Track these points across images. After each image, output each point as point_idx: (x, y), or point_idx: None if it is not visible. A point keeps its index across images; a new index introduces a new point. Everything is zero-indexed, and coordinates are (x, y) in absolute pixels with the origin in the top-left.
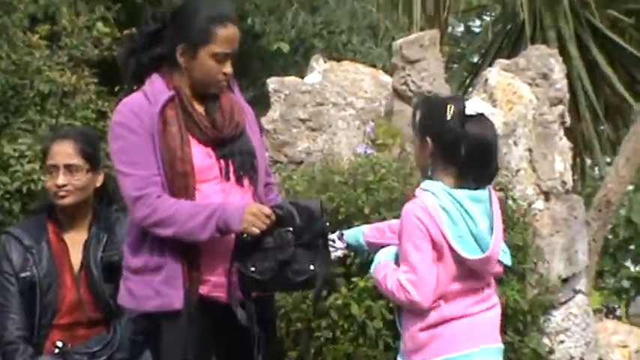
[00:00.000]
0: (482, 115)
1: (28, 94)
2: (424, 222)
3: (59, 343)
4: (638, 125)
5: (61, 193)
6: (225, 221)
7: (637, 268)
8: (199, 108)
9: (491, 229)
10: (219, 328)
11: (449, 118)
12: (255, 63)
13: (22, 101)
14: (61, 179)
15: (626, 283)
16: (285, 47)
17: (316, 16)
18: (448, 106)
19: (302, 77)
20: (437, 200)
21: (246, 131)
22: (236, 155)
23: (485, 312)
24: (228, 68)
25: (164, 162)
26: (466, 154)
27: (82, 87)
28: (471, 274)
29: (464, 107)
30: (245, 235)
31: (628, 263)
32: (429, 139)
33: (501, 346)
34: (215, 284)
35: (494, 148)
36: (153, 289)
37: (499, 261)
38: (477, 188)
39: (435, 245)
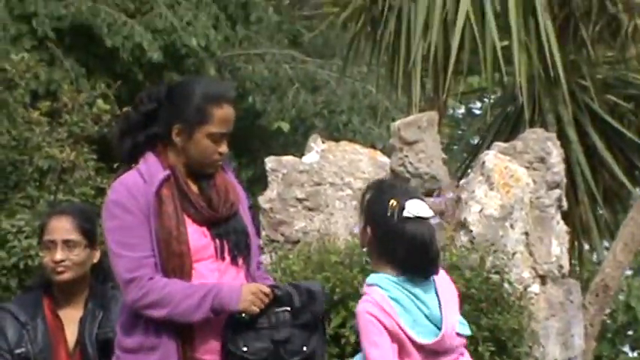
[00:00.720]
0: (420, 217)
1: (27, 169)
2: (377, 317)
3: None
4: (636, 210)
5: (59, 269)
6: (220, 301)
7: (635, 354)
8: (194, 187)
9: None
10: None
11: (389, 214)
12: (255, 141)
13: (21, 177)
14: (59, 255)
15: None
16: (286, 126)
17: (317, 95)
18: (391, 202)
19: (302, 156)
20: (385, 292)
21: (239, 211)
22: (231, 234)
23: None
24: (223, 148)
25: (159, 242)
26: (403, 253)
27: (82, 163)
28: (436, 354)
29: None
30: (243, 315)
31: (626, 349)
32: (369, 228)
33: None
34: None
35: (432, 248)
36: None
37: (458, 334)
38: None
39: (393, 338)
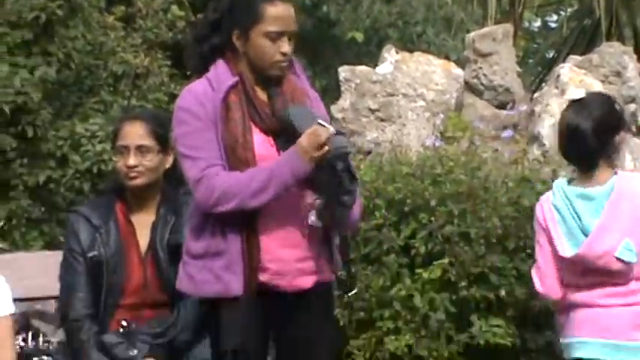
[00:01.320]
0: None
1: (102, 74)
2: (539, 219)
3: (124, 323)
4: None
5: (132, 174)
6: (291, 175)
7: None
8: (262, 94)
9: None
10: (279, 316)
11: None
12: (329, 51)
13: (95, 81)
14: (132, 160)
15: None
16: (360, 36)
17: (392, 6)
18: None
19: (375, 67)
20: (552, 198)
21: None
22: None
23: (615, 307)
24: (285, 48)
25: (226, 148)
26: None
27: (155, 69)
28: (583, 272)
29: None
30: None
31: None
32: None
33: (635, 344)
34: (275, 272)
35: (574, 134)
36: (213, 274)
37: (619, 259)
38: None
39: (549, 240)
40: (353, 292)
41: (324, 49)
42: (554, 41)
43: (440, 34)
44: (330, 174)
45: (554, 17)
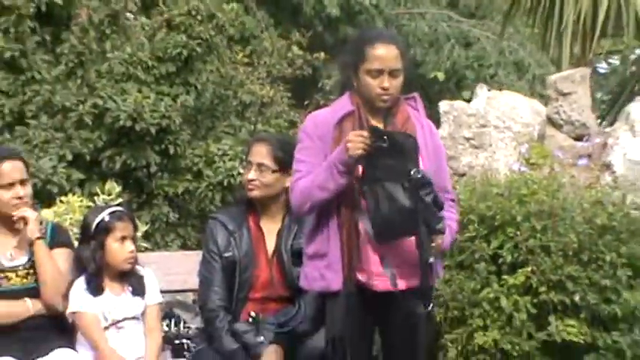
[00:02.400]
0: None
1: (232, 102)
2: None
3: (253, 314)
4: None
5: (250, 186)
6: (337, 162)
7: None
8: (377, 122)
9: None
10: (380, 312)
11: None
12: (415, 87)
13: (226, 108)
14: (251, 174)
15: None
16: (441, 76)
17: (469, 50)
18: None
19: (468, 102)
20: None
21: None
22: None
23: None
24: (384, 83)
25: None
26: None
27: (278, 99)
28: None
29: None
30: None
31: None
32: None
33: None
34: (373, 274)
35: None
36: (319, 272)
37: None
38: None
39: None
40: (429, 307)
41: (412, 86)
42: (620, 81)
43: (509, 76)
44: (422, 205)
45: (617, 62)
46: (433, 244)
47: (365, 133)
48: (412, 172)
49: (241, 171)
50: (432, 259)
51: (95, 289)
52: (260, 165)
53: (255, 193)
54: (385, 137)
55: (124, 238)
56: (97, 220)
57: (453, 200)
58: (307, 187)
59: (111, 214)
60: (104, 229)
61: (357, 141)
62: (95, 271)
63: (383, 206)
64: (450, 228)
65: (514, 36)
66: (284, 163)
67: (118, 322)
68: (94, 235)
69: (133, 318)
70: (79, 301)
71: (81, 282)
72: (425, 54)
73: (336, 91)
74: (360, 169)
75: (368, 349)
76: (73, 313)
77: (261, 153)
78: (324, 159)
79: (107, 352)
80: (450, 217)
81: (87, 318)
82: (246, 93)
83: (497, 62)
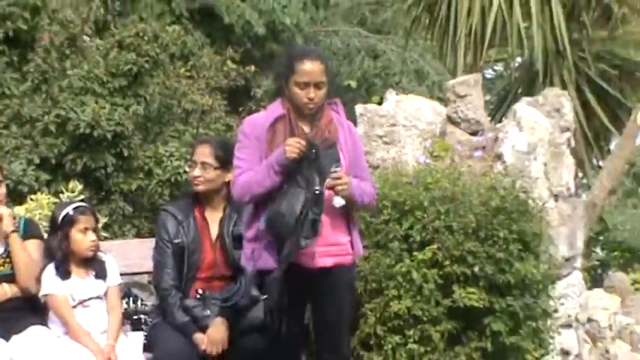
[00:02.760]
0: None
1: (176, 110)
2: None
3: (200, 291)
4: (616, 148)
5: (195, 182)
6: (275, 163)
7: (602, 253)
8: (304, 126)
9: None
10: (310, 287)
11: None
12: (332, 95)
13: (171, 116)
14: (196, 171)
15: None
16: (354, 84)
17: (377, 61)
18: None
19: (380, 105)
20: None
21: (337, 144)
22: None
23: None
24: (311, 94)
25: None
26: None
27: (216, 107)
28: None
29: None
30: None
31: (597, 250)
32: None
33: None
34: (303, 254)
35: None
36: (257, 253)
37: None
38: None
39: None
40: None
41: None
42: (504, 86)
43: (411, 82)
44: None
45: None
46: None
47: (302, 142)
48: (316, 190)
49: (187, 169)
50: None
51: (63, 273)
52: (204, 163)
53: (200, 188)
54: (314, 151)
55: (86, 229)
56: (63, 214)
57: (373, 187)
58: (247, 182)
59: (75, 208)
60: (69, 222)
61: (294, 146)
62: (62, 258)
63: (280, 204)
64: (366, 194)
65: (415, 48)
66: (224, 161)
67: (84, 301)
68: (60, 227)
69: (97, 298)
70: (50, 285)
71: (51, 268)
72: (339, 65)
73: (266, 98)
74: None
75: (301, 317)
76: (45, 295)
77: (204, 153)
78: (260, 156)
79: (75, 327)
80: (367, 185)
81: (57, 299)
82: (189, 102)
83: (401, 71)
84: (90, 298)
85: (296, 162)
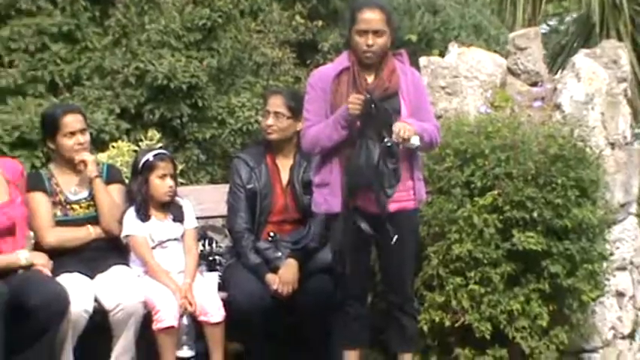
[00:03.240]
0: None
1: (248, 63)
2: None
3: (272, 234)
4: None
5: (269, 131)
6: (340, 118)
7: None
8: (367, 75)
9: None
10: (376, 230)
11: None
12: (395, 47)
13: (243, 68)
14: (269, 121)
15: None
16: (414, 38)
17: (437, 16)
18: None
19: (442, 56)
20: None
21: (400, 93)
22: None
23: None
24: (370, 41)
25: (332, 110)
26: None
27: (285, 60)
28: None
29: None
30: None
31: None
32: None
33: None
34: (366, 199)
35: None
36: (324, 198)
37: None
38: None
39: None
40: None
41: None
42: (560, 39)
43: (469, 36)
44: (385, 169)
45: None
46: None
47: (362, 97)
48: (385, 140)
49: (259, 119)
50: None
51: (143, 216)
52: (276, 113)
53: (273, 137)
54: (373, 106)
55: (164, 176)
56: (143, 160)
57: (436, 127)
58: (316, 136)
59: (154, 155)
60: (149, 168)
61: (355, 102)
62: (142, 202)
63: (359, 158)
64: (428, 132)
65: (473, 4)
66: (295, 111)
67: (162, 242)
68: (140, 172)
69: (175, 240)
70: (131, 226)
71: (131, 211)
72: (400, 20)
73: (333, 52)
74: (358, 124)
75: (365, 259)
76: (127, 236)
77: (277, 103)
78: (326, 107)
79: (154, 266)
80: (432, 128)
81: (137, 240)
82: (259, 55)
83: (459, 25)
84: (168, 240)
85: (360, 116)
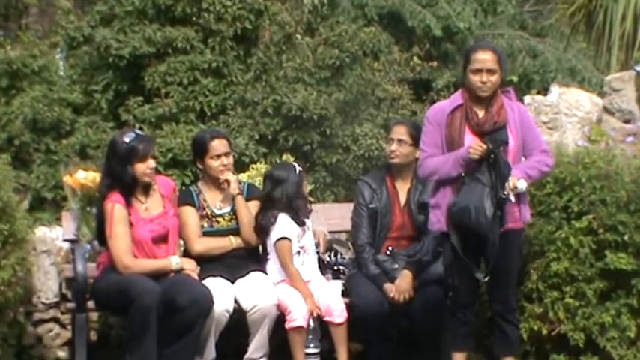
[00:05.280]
0: None
1: (370, 98)
2: None
3: (390, 248)
4: None
5: (392, 156)
6: (460, 159)
7: None
8: (478, 110)
9: None
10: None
11: None
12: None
13: (366, 102)
14: (393, 147)
15: None
16: (515, 78)
17: (536, 60)
18: None
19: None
20: None
21: (507, 126)
22: (491, 141)
23: None
24: (483, 79)
25: (446, 143)
26: None
27: (403, 95)
28: None
29: None
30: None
31: None
32: None
33: None
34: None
35: None
36: (437, 218)
37: None
38: None
39: None
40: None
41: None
42: None
43: (565, 78)
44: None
45: None
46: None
47: (483, 146)
48: (503, 194)
49: (379, 146)
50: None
51: (298, 221)
52: (400, 140)
53: (396, 161)
54: (492, 155)
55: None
56: (299, 169)
57: (545, 151)
58: (436, 168)
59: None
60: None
61: (476, 149)
62: (298, 209)
63: (468, 200)
64: (536, 168)
65: (570, 49)
66: (416, 139)
67: (302, 248)
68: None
69: (310, 247)
70: (285, 229)
71: (284, 216)
72: (504, 62)
73: (445, 89)
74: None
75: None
76: (280, 238)
77: (401, 132)
78: (440, 139)
79: (295, 272)
80: (540, 160)
81: (286, 244)
82: (381, 91)
83: (556, 68)
84: (307, 247)
85: (478, 162)
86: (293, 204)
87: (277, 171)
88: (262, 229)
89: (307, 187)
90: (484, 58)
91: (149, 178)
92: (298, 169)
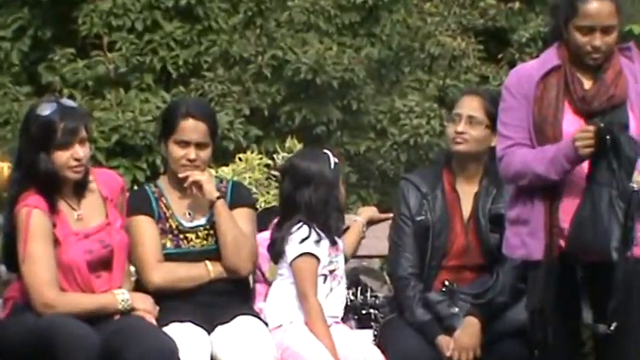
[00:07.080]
0: None
1: (419, 55)
2: None
3: (447, 283)
4: None
5: (458, 140)
6: (563, 160)
7: None
8: (583, 79)
9: None
10: (587, 282)
11: None
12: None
13: (412, 62)
14: (460, 127)
15: None
16: (637, 29)
17: None
18: None
19: None
20: None
21: (628, 102)
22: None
23: None
24: (595, 42)
25: (535, 125)
26: None
27: (469, 52)
28: None
29: None
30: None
31: None
32: None
33: None
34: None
35: None
36: (520, 239)
37: None
38: None
39: None
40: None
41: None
42: None
43: None
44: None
45: None
46: None
47: (591, 129)
48: (632, 187)
49: (431, 129)
50: None
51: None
52: (471, 118)
53: (462, 147)
54: (608, 138)
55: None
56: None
57: None
58: (525, 170)
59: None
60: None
61: (585, 139)
62: (327, 219)
63: (584, 208)
64: None
65: None
66: (495, 120)
67: (333, 272)
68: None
69: (342, 275)
70: (309, 244)
71: (305, 227)
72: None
73: (533, 44)
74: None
75: (574, 323)
76: (302, 253)
77: (473, 106)
78: (528, 118)
79: (316, 307)
80: None
81: (311, 263)
82: (435, 45)
83: None
84: (334, 272)
85: (593, 155)
86: (325, 212)
87: (304, 162)
88: (277, 247)
89: (345, 189)
90: (599, 10)
91: (75, 174)
92: (333, 160)
